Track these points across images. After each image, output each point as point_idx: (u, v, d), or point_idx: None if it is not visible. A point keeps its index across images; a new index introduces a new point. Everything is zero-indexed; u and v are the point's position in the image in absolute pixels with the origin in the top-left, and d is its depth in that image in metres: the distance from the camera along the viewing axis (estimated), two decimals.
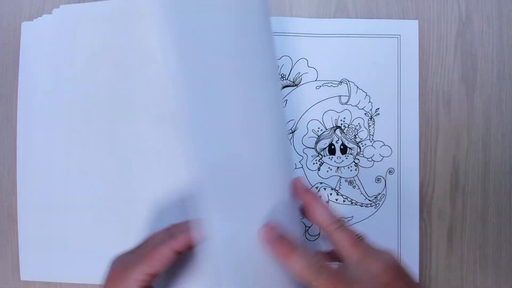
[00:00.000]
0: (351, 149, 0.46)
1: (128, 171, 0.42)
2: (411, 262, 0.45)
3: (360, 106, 0.46)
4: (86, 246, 0.42)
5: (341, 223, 0.32)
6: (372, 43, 0.46)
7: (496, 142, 0.47)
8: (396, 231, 0.45)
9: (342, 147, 0.46)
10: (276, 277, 0.33)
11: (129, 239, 0.42)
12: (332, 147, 0.46)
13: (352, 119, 0.46)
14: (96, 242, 0.42)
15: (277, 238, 0.31)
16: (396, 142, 0.46)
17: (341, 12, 0.47)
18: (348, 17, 0.47)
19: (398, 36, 0.46)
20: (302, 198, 0.35)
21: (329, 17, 0.47)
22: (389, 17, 0.47)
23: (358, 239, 0.31)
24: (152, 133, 0.42)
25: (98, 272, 0.42)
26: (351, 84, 0.46)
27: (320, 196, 0.39)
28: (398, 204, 0.45)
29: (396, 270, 0.30)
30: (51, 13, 0.45)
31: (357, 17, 0.47)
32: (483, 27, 0.48)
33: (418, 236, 0.45)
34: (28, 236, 0.45)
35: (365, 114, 0.46)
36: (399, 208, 0.45)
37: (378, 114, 0.46)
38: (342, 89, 0.46)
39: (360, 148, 0.46)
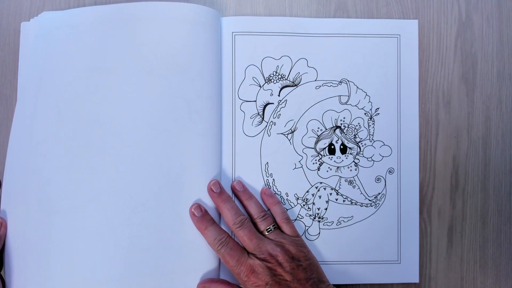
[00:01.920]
0: (351, 149, 0.46)
1: (126, 174, 0.42)
2: (411, 262, 0.45)
3: (360, 106, 0.46)
4: (84, 246, 0.42)
5: (242, 222, 0.40)
6: (372, 43, 0.46)
7: (496, 142, 0.47)
8: (396, 231, 0.45)
9: (342, 147, 0.46)
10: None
11: (125, 239, 0.42)
12: (332, 147, 0.46)
13: (352, 119, 0.46)
14: (95, 243, 0.42)
15: (201, 215, 0.41)
16: (396, 142, 0.46)
17: (341, 12, 0.47)
18: (348, 17, 0.47)
19: (398, 36, 0.46)
20: (214, 201, 0.42)
21: (329, 17, 0.47)
22: (389, 17, 0.47)
23: (254, 234, 0.40)
24: (149, 134, 0.42)
25: (99, 273, 0.42)
26: (351, 84, 0.46)
27: (229, 199, 0.42)
28: (398, 204, 0.45)
29: (277, 260, 0.39)
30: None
31: (357, 17, 0.47)
32: (483, 27, 0.48)
33: (418, 236, 0.45)
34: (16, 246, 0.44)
35: (365, 114, 0.46)
36: (399, 208, 0.45)
37: (378, 114, 0.46)
38: (342, 89, 0.46)
39: (360, 148, 0.46)
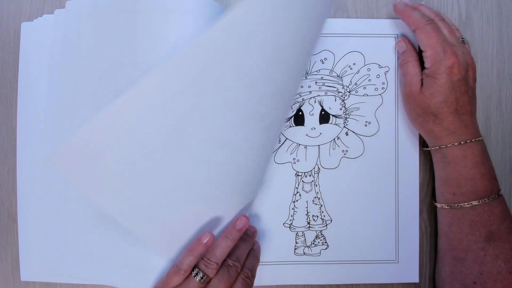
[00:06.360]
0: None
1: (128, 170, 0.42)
2: (410, 262, 0.45)
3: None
4: (86, 246, 0.42)
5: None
6: (372, 43, 0.46)
7: (496, 142, 0.47)
8: (394, 231, 0.45)
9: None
10: None
11: (129, 239, 0.42)
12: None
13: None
14: (96, 242, 0.42)
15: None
16: (396, 141, 0.46)
17: (341, 12, 0.47)
18: (348, 17, 0.47)
19: (398, 36, 0.46)
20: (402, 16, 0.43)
21: (329, 17, 0.47)
22: (389, 17, 0.47)
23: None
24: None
25: (98, 272, 0.42)
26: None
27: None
28: (396, 204, 0.45)
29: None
30: (51, 13, 0.45)
31: (357, 17, 0.47)
32: (483, 27, 0.48)
33: (417, 236, 0.45)
34: (28, 236, 0.44)
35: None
36: (396, 207, 0.45)
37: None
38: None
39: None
